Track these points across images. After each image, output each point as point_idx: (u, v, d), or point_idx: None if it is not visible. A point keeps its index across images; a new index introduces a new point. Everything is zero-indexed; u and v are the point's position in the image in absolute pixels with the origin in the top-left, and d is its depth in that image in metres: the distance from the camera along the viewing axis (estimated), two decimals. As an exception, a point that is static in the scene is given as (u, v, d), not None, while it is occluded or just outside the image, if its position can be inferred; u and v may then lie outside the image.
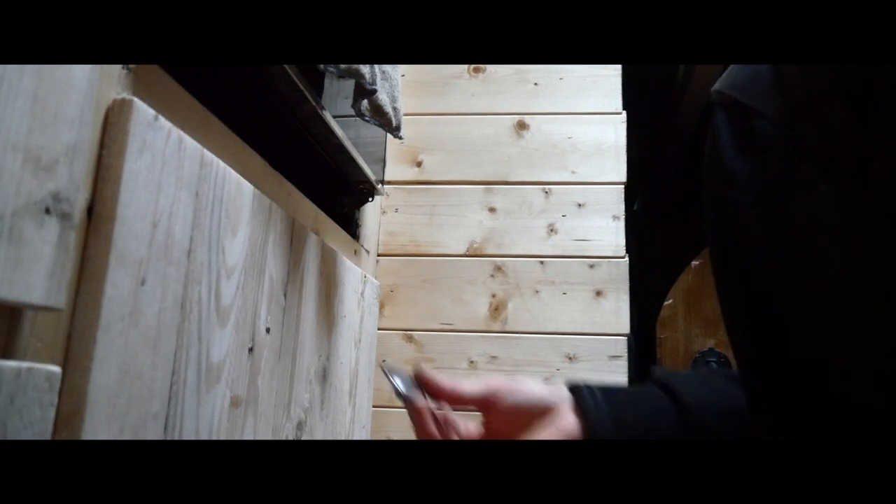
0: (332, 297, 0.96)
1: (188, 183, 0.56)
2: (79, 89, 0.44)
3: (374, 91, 0.85)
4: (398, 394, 0.63)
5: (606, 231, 1.36)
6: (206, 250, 0.59)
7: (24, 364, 0.41)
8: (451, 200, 1.42)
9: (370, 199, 1.26)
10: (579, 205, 1.39)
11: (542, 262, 1.37)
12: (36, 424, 0.41)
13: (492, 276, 1.37)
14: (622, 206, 1.38)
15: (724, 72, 0.49)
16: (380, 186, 1.24)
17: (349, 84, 1.01)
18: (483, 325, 1.35)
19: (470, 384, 0.66)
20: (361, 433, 1.12)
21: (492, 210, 1.41)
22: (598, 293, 1.34)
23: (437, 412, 0.64)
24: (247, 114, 0.79)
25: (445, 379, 0.67)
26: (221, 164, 0.61)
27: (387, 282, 1.40)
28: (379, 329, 1.33)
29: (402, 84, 1.39)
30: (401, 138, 1.07)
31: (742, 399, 0.59)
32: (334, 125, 0.94)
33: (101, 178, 0.48)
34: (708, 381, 0.64)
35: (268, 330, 0.72)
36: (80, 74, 0.44)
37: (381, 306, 1.38)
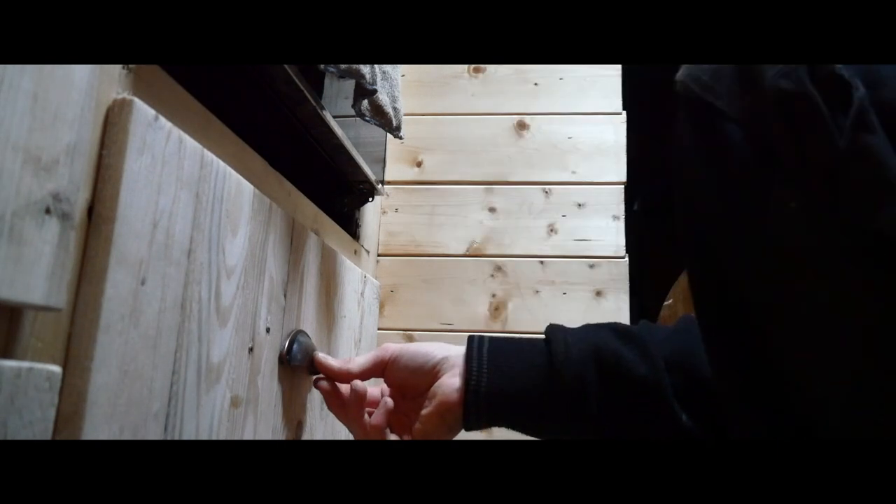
0: (332, 297, 0.96)
1: (188, 183, 0.56)
2: (79, 89, 0.44)
3: (375, 91, 0.85)
4: (287, 360, 0.75)
5: (607, 231, 1.36)
6: (206, 250, 0.59)
7: (25, 364, 0.41)
8: (451, 200, 1.42)
9: (370, 199, 1.26)
10: (579, 205, 1.39)
11: (542, 262, 1.37)
12: (36, 424, 0.41)
13: (492, 276, 1.37)
14: (622, 206, 1.38)
15: None
16: (380, 186, 1.24)
17: (349, 84, 1.01)
18: (483, 325, 1.35)
19: (359, 359, 0.74)
20: (361, 433, 1.12)
21: (492, 210, 1.41)
22: (599, 293, 1.34)
23: (325, 387, 0.74)
24: (247, 114, 0.79)
25: (335, 361, 0.76)
26: (221, 164, 0.61)
27: (387, 282, 1.40)
28: (379, 329, 1.34)
29: (402, 84, 1.39)
30: (401, 138, 1.07)
31: (616, 351, 0.63)
32: (334, 125, 0.94)
33: (102, 178, 0.48)
34: (592, 335, 0.66)
35: (268, 330, 0.72)
36: (80, 74, 0.44)
37: (382, 306, 1.38)
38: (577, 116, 1.44)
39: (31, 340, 0.43)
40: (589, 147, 1.42)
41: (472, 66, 1.48)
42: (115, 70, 0.51)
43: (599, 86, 1.44)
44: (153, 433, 0.52)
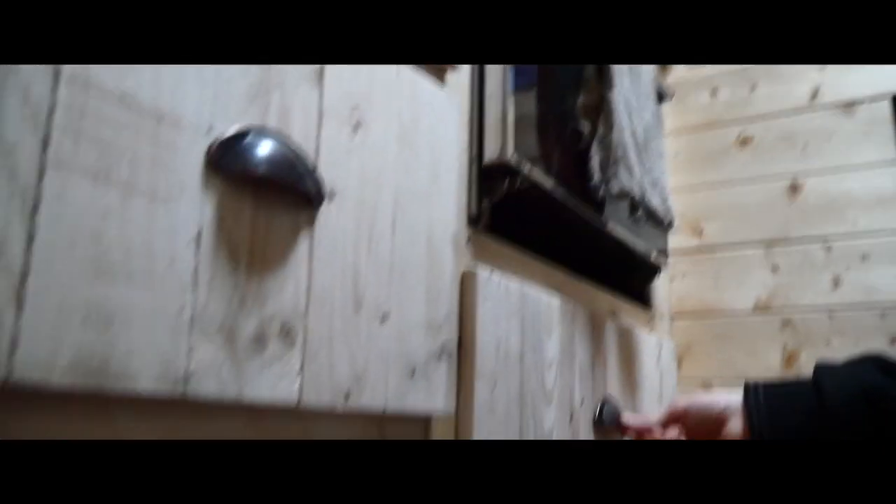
0: (633, 365, 1.16)
1: (515, 312, 0.81)
2: (448, 274, 0.70)
3: (647, 205, 1.05)
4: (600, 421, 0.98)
5: (894, 279, 1.37)
6: (531, 354, 0.83)
7: (436, 449, 0.67)
8: (734, 263, 1.54)
9: (657, 274, 1.43)
10: (863, 256, 1.41)
11: (830, 315, 1.42)
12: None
13: (780, 329, 1.46)
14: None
15: None
16: (664, 260, 1.40)
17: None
18: (777, 374, 1.43)
19: (655, 415, 0.92)
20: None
21: (774, 268, 1.49)
22: (894, 341, 1.35)
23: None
24: (552, 241, 1.03)
25: (633, 417, 0.97)
26: (535, 292, 0.86)
27: (682, 339, 1.56)
28: (680, 377, 1.49)
29: (676, 161, 1.56)
30: (672, 228, 1.21)
31: (882, 389, 0.68)
32: (619, 234, 1.14)
33: (464, 322, 0.74)
34: (859, 372, 0.72)
35: (582, 401, 0.94)
36: (446, 256, 0.70)
37: (680, 360, 1.54)
38: (851, 170, 1.46)
39: (434, 437, 0.70)
40: (867, 199, 1.43)
41: (741, 137, 1.58)
42: (461, 247, 0.78)
43: (872, 137, 1.45)
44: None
